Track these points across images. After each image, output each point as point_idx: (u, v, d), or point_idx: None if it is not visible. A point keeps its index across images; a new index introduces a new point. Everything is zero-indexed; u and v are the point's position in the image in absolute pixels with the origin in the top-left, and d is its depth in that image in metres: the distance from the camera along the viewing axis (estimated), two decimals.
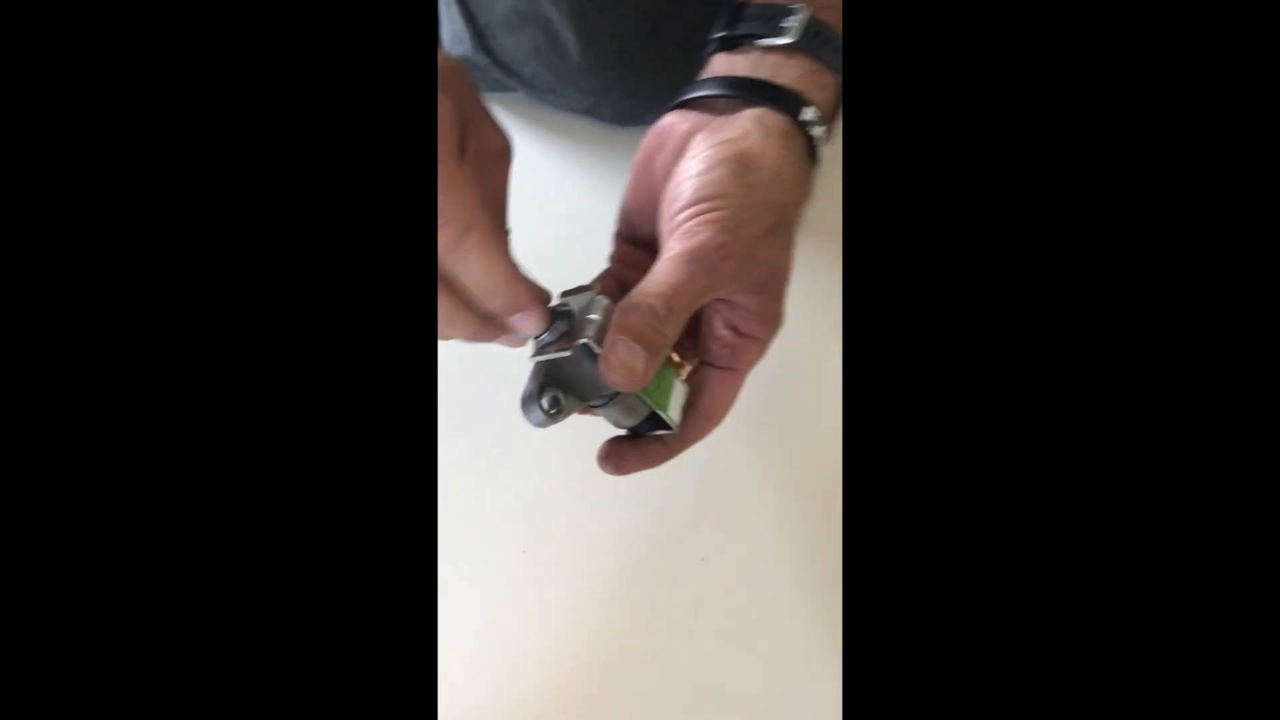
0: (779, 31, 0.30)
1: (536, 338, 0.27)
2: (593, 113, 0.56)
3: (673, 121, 0.30)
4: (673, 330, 0.26)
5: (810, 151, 0.29)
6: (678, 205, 0.27)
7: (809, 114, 0.28)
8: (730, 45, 0.31)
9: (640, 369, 0.25)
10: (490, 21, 0.54)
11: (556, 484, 0.43)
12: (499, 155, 0.27)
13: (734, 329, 0.29)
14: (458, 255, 0.24)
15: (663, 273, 0.26)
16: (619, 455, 0.31)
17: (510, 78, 0.56)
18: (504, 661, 0.39)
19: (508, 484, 0.43)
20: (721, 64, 0.31)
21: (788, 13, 0.30)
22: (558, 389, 0.27)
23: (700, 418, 0.30)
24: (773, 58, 0.30)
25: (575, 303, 0.28)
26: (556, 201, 0.54)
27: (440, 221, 0.23)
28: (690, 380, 0.30)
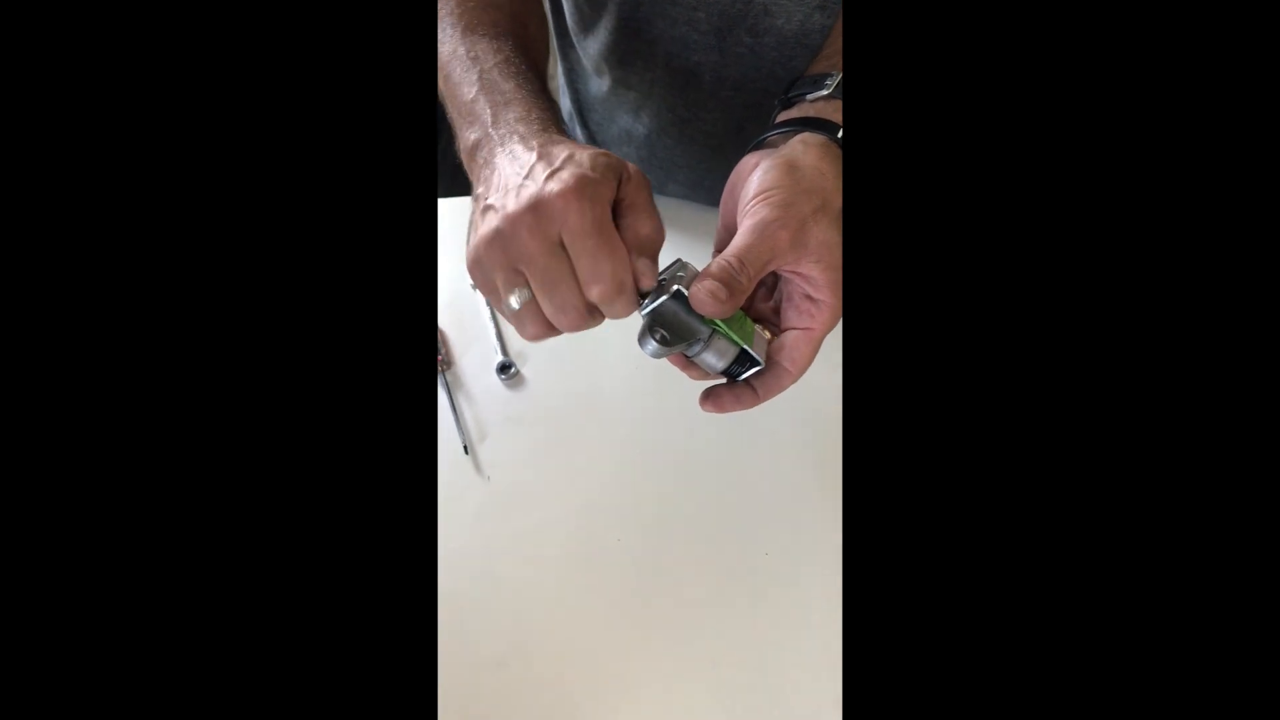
0: (822, 87, 0.39)
1: (642, 301, 0.34)
2: (690, 198, 0.67)
3: (745, 159, 0.39)
4: (746, 280, 0.33)
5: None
6: (746, 199, 0.35)
7: (841, 135, 0.37)
8: (787, 105, 0.41)
9: (724, 297, 0.33)
10: (605, 140, 0.68)
11: (647, 491, 0.51)
12: (647, 240, 0.35)
13: (807, 296, 0.36)
14: (611, 306, 0.33)
15: (736, 240, 0.34)
16: (716, 396, 0.38)
17: None
18: (589, 639, 0.45)
19: (616, 495, 0.52)
20: (780, 116, 0.41)
21: (828, 75, 0.40)
22: (663, 329, 0.34)
23: (784, 370, 0.37)
24: (817, 105, 0.39)
25: (669, 272, 0.36)
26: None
27: (600, 278, 0.32)
28: (774, 341, 0.37)
